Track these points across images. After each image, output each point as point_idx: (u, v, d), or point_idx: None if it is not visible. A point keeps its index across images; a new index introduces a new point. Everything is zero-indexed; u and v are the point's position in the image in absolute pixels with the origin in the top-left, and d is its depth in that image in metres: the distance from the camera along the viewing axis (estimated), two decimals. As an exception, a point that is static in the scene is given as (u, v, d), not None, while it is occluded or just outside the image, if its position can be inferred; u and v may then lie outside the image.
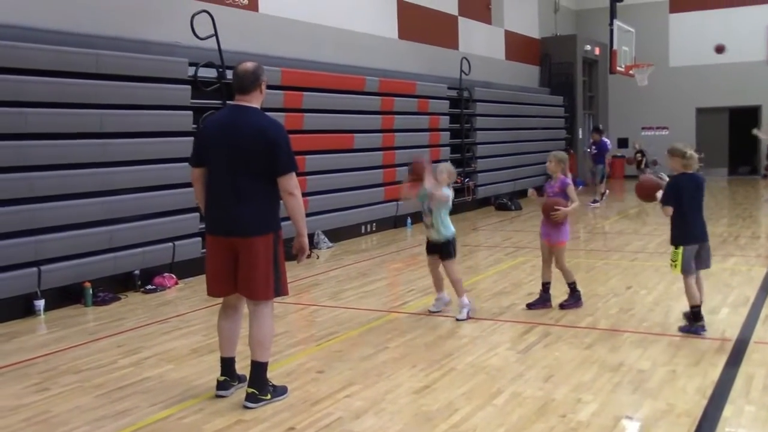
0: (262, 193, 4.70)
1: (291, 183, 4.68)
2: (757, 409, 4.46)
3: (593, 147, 17.07)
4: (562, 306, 7.10)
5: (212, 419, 4.55)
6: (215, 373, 5.12)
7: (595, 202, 16.57)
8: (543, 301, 7.19)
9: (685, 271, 6.16)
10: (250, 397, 4.73)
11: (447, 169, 6.94)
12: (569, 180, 7.08)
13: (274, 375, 5.13)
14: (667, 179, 6.43)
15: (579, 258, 10.29)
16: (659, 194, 6.32)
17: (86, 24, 8.70)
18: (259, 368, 4.79)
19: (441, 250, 6.92)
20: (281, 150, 4.65)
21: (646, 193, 6.65)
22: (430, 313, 7.03)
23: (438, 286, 7.13)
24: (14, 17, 7.90)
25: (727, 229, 12.69)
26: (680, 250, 6.17)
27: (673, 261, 6.21)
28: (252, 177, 4.67)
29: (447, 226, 6.87)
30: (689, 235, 6.21)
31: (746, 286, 7.97)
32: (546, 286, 7.20)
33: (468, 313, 6.82)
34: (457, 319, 6.75)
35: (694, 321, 6.21)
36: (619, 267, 9.36)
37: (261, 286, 4.72)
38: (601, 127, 18.80)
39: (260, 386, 4.75)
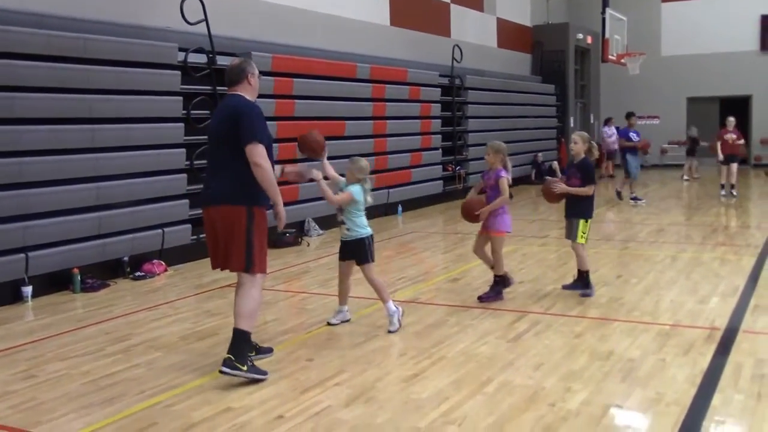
0: (234, 167, 4.93)
1: (255, 152, 4.86)
2: (745, 397, 4.47)
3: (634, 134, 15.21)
4: (480, 298, 6.99)
5: (201, 407, 4.53)
6: (205, 360, 5.16)
7: (636, 199, 14.75)
8: (496, 293, 7.02)
9: (586, 241, 7.09)
10: (226, 362, 4.82)
11: (358, 166, 6.21)
12: (503, 173, 6.86)
13: (264, 362, 5.14)
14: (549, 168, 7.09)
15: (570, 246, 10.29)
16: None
17: (75, 8, 8.61)
18: (238, 335, 4.92)
19: (355, 253, 6.14)
20: (243, 121, 4.89)
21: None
22: (329, 325, 6.29)
23: (343, 298, 6.36)
24: (3, 1, 7.80)
25: (716, 219, 12.72)
26: (588, 223, 7.07)
27: (584, 233, 7.02)
28: (224, 152, 4.94)
29: (361, 225, 6.12)
30: (593, 209, 7.15)
31: (736, 275, 7.99)
32: (496, 278, 7.04)
33: (399, 319, 6.13)
34: (390, 332, 6.04)
35: (587, 285, 7.09)
36: (609, 256, 9.37)
37: (233, 255, 4.93)
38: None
39: (238, 353, 4.84)
